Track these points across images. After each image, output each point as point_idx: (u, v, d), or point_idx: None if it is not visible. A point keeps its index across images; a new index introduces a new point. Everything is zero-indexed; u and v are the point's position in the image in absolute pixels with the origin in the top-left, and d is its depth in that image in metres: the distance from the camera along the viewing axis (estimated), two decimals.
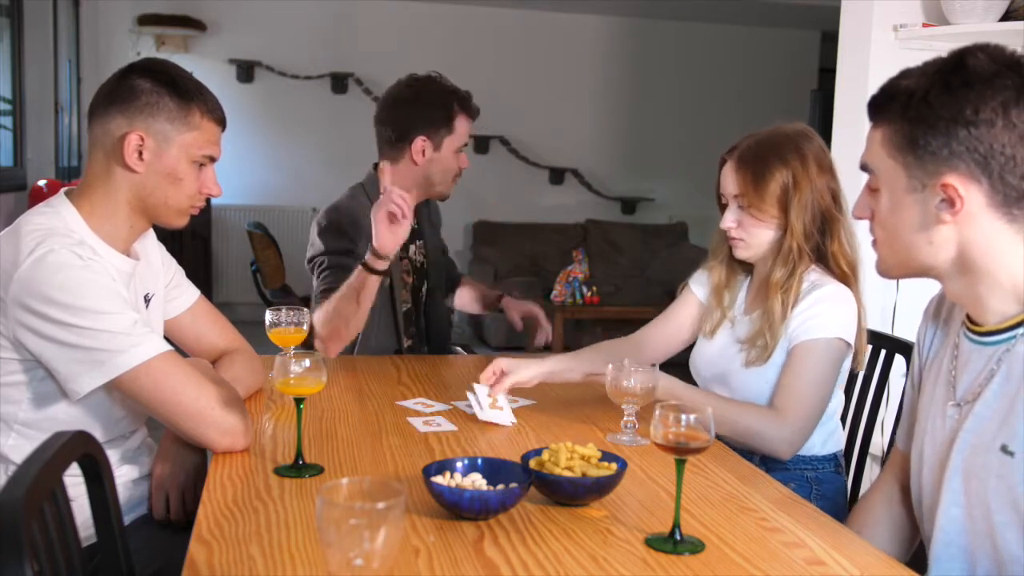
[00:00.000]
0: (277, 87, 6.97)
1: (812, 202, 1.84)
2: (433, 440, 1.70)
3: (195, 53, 6.76)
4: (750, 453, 1.83)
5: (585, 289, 5.48)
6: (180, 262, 1.95)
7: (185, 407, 1.54)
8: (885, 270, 1.36)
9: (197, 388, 1.55)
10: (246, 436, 1.59)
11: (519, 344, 6.28)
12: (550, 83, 7.45)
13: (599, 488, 1.39)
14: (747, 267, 2.01)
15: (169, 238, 2.15)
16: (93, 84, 3.62)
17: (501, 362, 1.87)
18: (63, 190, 1.67)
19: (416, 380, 2.15)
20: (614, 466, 1.42)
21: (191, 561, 1.17)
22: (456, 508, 1.30)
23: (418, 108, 2.42)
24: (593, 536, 1.29)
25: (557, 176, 7.58)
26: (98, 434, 1.41)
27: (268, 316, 1.91)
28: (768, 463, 1.85)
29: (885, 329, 2.56)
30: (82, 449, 1.23)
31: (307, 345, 1.91)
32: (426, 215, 2.63)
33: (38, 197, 4.61)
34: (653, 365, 1.72)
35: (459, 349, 2.84)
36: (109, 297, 1.52)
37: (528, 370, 1.87)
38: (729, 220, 1.90)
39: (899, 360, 2.06)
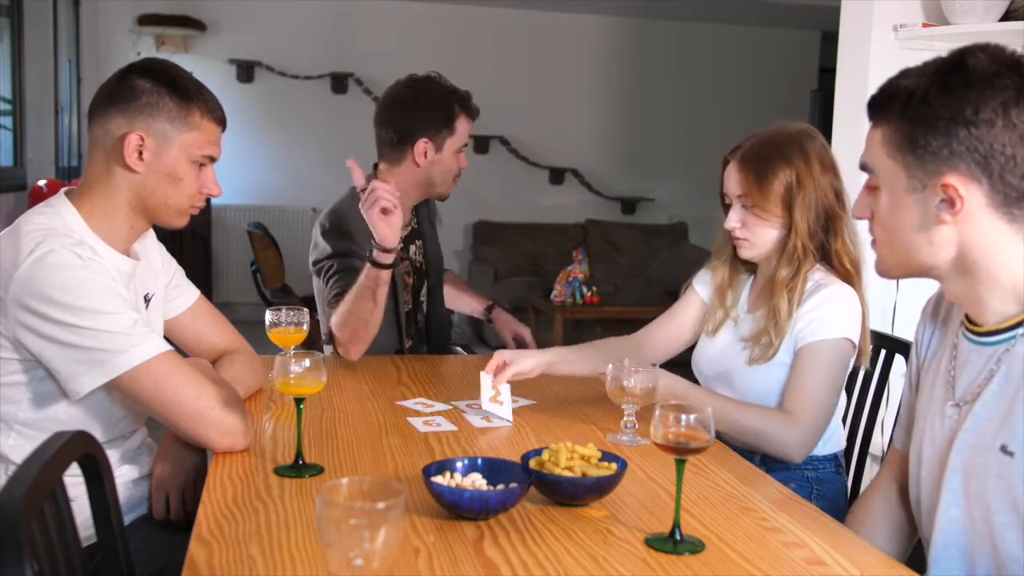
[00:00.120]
0: (277, 87, 6.97)
1: (816, 201, 1.85)
2: (433, 440, 1.70)
3: (195, 53, 6.76)
4: (750, 453, 1.83)
5: (585, 289, 5.48)
6: (180, 262, 1.96)
7: (185, 407, 1.54)
8: (885, 270, 1.36)
9: (197, 388, 1.55)
10: (246, 436, 1.59)
11: (518, 344, 6.27)
12: (550, 83, 7.45)
13: (599, 488, 1.39)
14: (750, 266, 2.01)
15: (169, 238, 2.15)
16: (93, 84, 3.62)
17: (503, 353, 1.89)
18: (63, 190, 1.67)
19: (416, 380, 2.15)
20: (614, 466, 1.42)
21: (191, 561, 1.17)
22: (456, 508, 1.30)
23: (419, 109, 2.41)
24: (593, 536, 1.29)
25: (557, 176, 7.58)
26: (98, 434, 1.41)
27: (268, 316, 1.91)
28: (768, 463, 1.85)
29: (885, 329, 2.56)
30: (82, 449, 1.23)
31: (307, 345, 1.90)
32: (426, 215, 2.63)
33: (38, 197, 4.61)
34: (654, 365, 1.72)
35: (459, 349, 2.84)
36: (109, 297, 1.52)
37: (529, 360, 1.89)
38: (733, 220, 1.90)
39: (899, 360, 2.06)
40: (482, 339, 6.48)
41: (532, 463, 1.43)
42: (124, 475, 1.67)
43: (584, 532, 1.30)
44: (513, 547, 1.24)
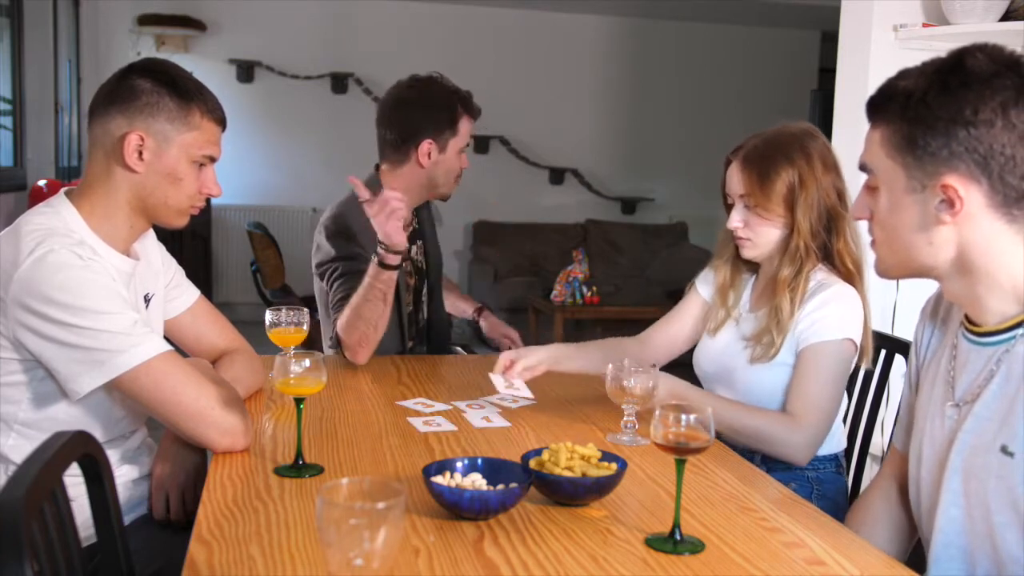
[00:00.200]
0: (277, 87, 6.97)
1: (818, 200, 1.85)
2: (433, 440, 1.70)
3: (195, 53, 6.76)
4: (750, 453, 1.83)
5: (585, 289, 5.48)
6: (180, 262, 1.95)
7: (185, 407, 1.54)
8: (884, 270, 1.36)
9: (197, 388, 1.55)
10: (246, 436, 1.59)
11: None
12: (550, 83, 7.45)
13: (599, 488, 1.39)
14: (752, 266, 2.02)
15: (169, 238, 2.15)
16: (93, 84, 3.62)
17: (507, 354, 1.91)
18: (63, 190, 1.67)
19: (416, 380, 2.15)
20: (614, 466, 1.42)
21: (191, 561, 1.17)
22: (456, 508, 1.30)
23: (422, 110, 2.41)
24: (593, 536, 1.29)
25: (557, 176, 7.58)
26: (98, 434, 1.41)
27: (268, 316, 1.92)
28: (768, 463, 1.85)
29: (885, 329, 2.56)
30: (82, 449, 1.23)
31: (307, 345, 1.90)
32: (426, 215, 2.62)
33: (38, 197, 4.61)
34: (654, 365, 1.72)
35: (459, 349, 2.84)
36: (109, 297, 1.52)
37: (535, 356, 1.90)
38: (736, 220, 1.91)
39: (899, 360, 2.06)
40: (482, 339, 6.46)
41: (532, 463, 1.43)
42: (124, 475, 1.67)
43: (584, 532, 1.30)
44: (513, 547, 1.24)
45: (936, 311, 1.47)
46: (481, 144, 7.18)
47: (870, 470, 2.23)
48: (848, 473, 2.05)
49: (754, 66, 7.74)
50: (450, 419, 1.83)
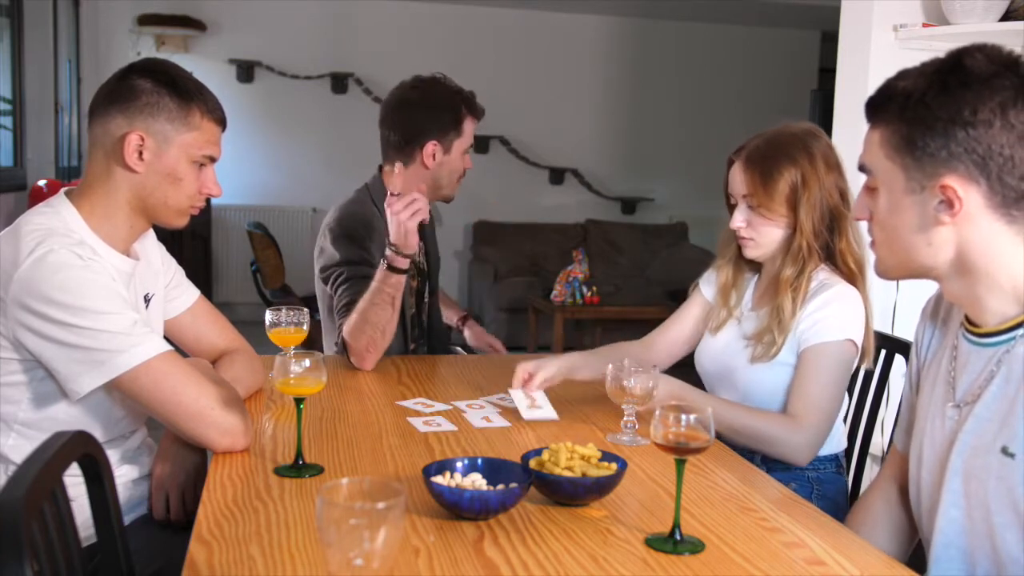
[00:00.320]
0: (277, 87, 6.97)
1: (821, 200, 1.85)
2: (433, 440, 1.70)
3: (195, 53, 6.76)
4: (751, 453, 1.83)
5: (585, 289, 5.48)
6: (180, 262, 1.95)
7: (185, 407, 1.54)
8: (884, 271, 1.36)
9: (197, 388, 1.55)
10: (246, 436, 1.59)
11: (519, 344, 6.28)
12: (550, 83, 7.45)
13: (599, 488, 1.39)
14: (754, 265, 2.02)
15: (169, 238, 2.15)
16: (93, 84, 3.62)
17: (526, 365, 1.89)
18: (63, 190, 1.67)
19: (416, 380, 2.15)
20: (614, 466, 1.42)
21: (191, 561, 1.17)
22: (456, 508, 1.31)
23: (426, 111, 2.39)
24: (593, 536, 1.29)
25: (557, 176, 7.58)
26: (98, 434, 1.41)
27: (268, 316, 1.91)
28: (769, 463, 1.86)
29: (885, 329, 2.56)
30: (82, 449, 1.23)
31: (307, 345, 1.90)
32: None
33: (38, 197, 4.61)
34: (654, 366, 1.72)
35: (459, 349, 2.84)
36: (109, 297, 1.52)
37: (551, 367, 1.90)
38: (738, 220, 1.91)
39: (899, 360, 2.06)
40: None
41: (532, 463, 1.43)
42: (124, 475, 1.67)
43: (584, 532, 1.30)
44: (513, 547, 1.24)
45: (936, 312, 1.47)
46: (481, 144, 7.18)
47: (870, 470, 2.23)
48: (848, 473, 2.05)
49: (754, 66, 7.74)
50: (450, 419, 1.83)
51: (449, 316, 2.83)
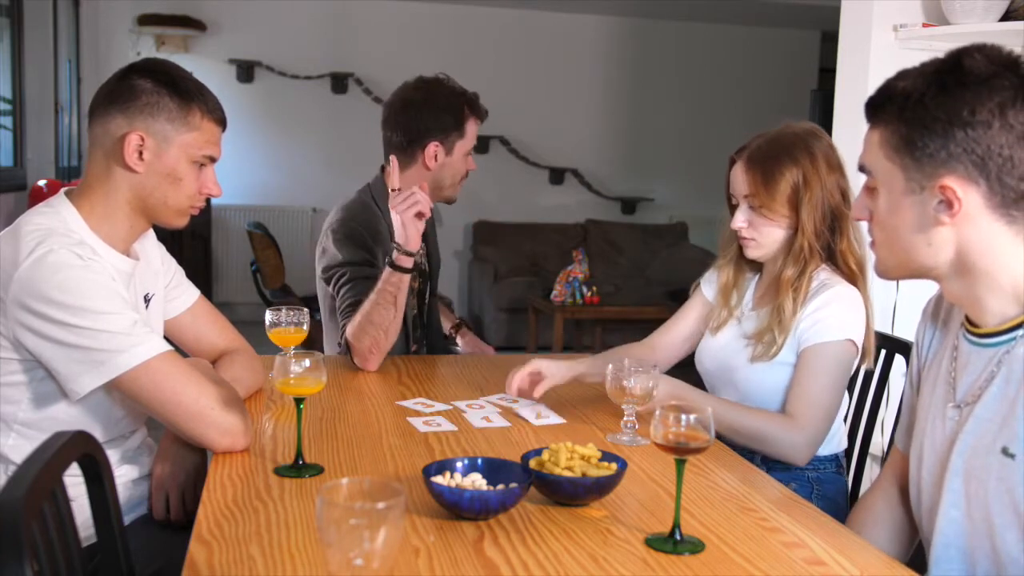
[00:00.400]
0: (277, 87, 6.97)
1: (822, 200, 1.85)
2: (433, 440, 1.70)
3: (195, 53, 6.76)
4: (751, 453, 1.83)
5: (585, 289, 5.48)
6: (180, 262, 1.96)
7: (185, 407, 1.54)
8: (884, 271, 1.36)
9: (197, 388, 1.55)
10: (246, 436, 1.59)
11: (519, 344, 6.28)
12: (550, 83, 7.45)
13: (599, 488, 1.39)
14: (755, 265, 2.02)
15: (169, 238, 2.15)
16: (93, 84, 3.62)
17: (540, 364, 1.89)
18: (63, 190, 1.67)
19: (416, 380, 2.15)
20: (614, 466, 1.42)
21: (191, 561, 1.17)
22: (456, 508, 1.31)
23: (429, 112, 2.39)
24: (593, 536, 1.29)
25: (557, 176, 7.58)
26: (98, 434, 1.41)
27: (268, 316, 1.91)
28: (768, 463, 1.86)
29: (885, 329, 2.56)
30: (82, 449, 1.23)
31: (307, 345, 1.90)
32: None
33: (38, 197, 4.61)
34: (654, 366, 1.72)
35: (458, 349, 2.84)
36: (109, 297, 1.52)
37: (560, 372, 1.90)
38: (740, 220, 1.91)
39: (899, 360, 2.06)
40: (482, 338, 6.47)
41: (532, 463, 1.43)
42: (124, 475, 1.67)
43: (584, 532, 1.30)
44: (513, 547, 1.24)
45: (937, 312, 1.47)
46: (481, 144, 7.17)
47: (870, 470, 2.23)
48: (848, 473, 2.05)
49: (754, 66, 7.74)
50: (450, 419, 1.83)
51: (442, 324, 2.81)
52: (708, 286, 2.10)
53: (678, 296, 2.20)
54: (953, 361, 1.35)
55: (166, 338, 1.67)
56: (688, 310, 2.12)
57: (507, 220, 7.33)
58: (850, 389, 2.06)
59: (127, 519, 1.55)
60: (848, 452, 2.07)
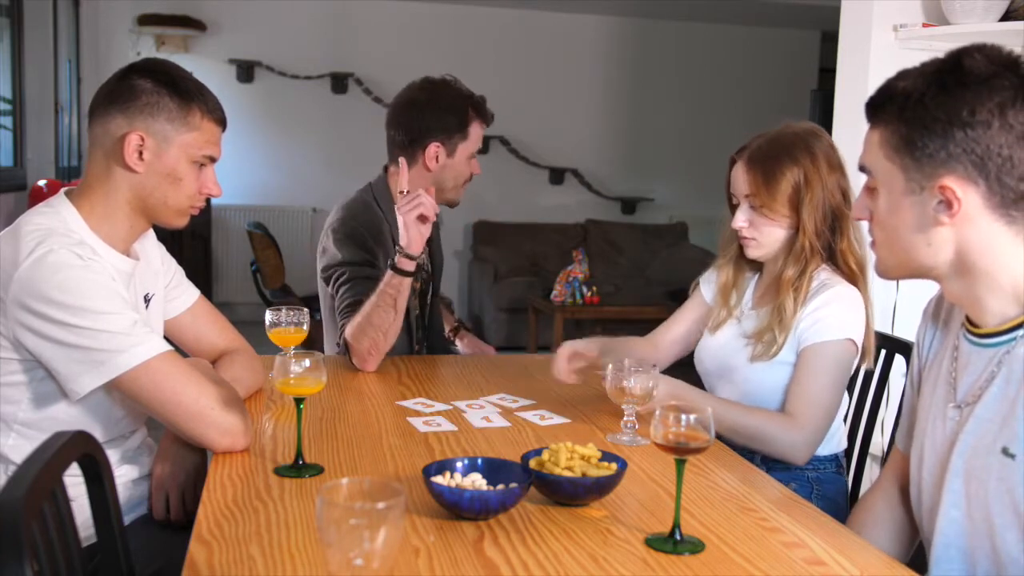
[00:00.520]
0: (277, 87, 6.97)
1: (823, 200, 1.85)
2: (433, 440, 1.70)
3: (195, 53, 6.76)
4: (750, 453, 1.83)
5: (585, 289, 5.48)
6: (180, 262, 1.95)
7: (185, 407, 1.54)
8: (884, 271, 1.36)
9: (197, 388, 1.55)
10: (246, 436, 1.59)
11: (519, 344, 6.28)
12: (550, 83, 7.45)
13: (599, 488, 1.39)
14: (755, 265, 2.02)
15: (169, 238, 2.15)
16: (93, 84, 3.62)
17: (571, 344, 1.93)
18: (63, 190, 1.67)
19: (416, 380, 2.15)
20: (614, 466, 1.42)
21: (191, 561, 1.17)
22: (456, 508, 1.31)
23: (432, 112, 2.38)
24: (593, 536, 1.29)
25: (557, 176, 7.58)
26: (98, 434, 1.41)
27: (268, 316, 1.91)
28: (768, 463, 1.86)
29: (885, 329, 2.56)
30: (82, 449, 1.23)
31: (307, 345, 1.90)
32: None
33: (38, 197, 4.61)
34: (654, 366, 1.72)
35: (458, 349, 2.84)
36: (109, 297, 1.52)
37: (593, 348, 1.93)
38: (741, 220, 1.91)
39: (899, 360, 2.06)
40: (482, 339, 6.47)
41: (532, 463, 1.43)
42: (124, 475, 1.67)
43: (584, 532, 1.30)
44: (513, 547, 1.24)
45: (938, 312, 1.47)
46: (481, 144, 7.16)
47: (870, 470, 2.23)
48: (848, 473, 2.05)
49: (754, 66, 7.74)
50: (450, 419, 1.83)
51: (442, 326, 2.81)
52: (707, 285, 2.10)
53: (678, 296, 2.20)
54: (954, 361, 1.35)
55: (166, 338, 1.67)
56: (687, 309, 2.13)
57: (507, 220, 7.33)
58: (850, 389, 2.06)
59: (127, 519, 1.55)
60: (848, 452, 2.07)
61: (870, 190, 1.32)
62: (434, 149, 2.38)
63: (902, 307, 2.65)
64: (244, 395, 1.83)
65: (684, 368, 2.06)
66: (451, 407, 1.92)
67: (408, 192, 2.12)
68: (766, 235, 1.90)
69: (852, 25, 2.77)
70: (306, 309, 1.94)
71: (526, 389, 2.05)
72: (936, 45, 2.59)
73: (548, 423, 1.83)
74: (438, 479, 1.35)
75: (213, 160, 1.68)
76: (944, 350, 1.40)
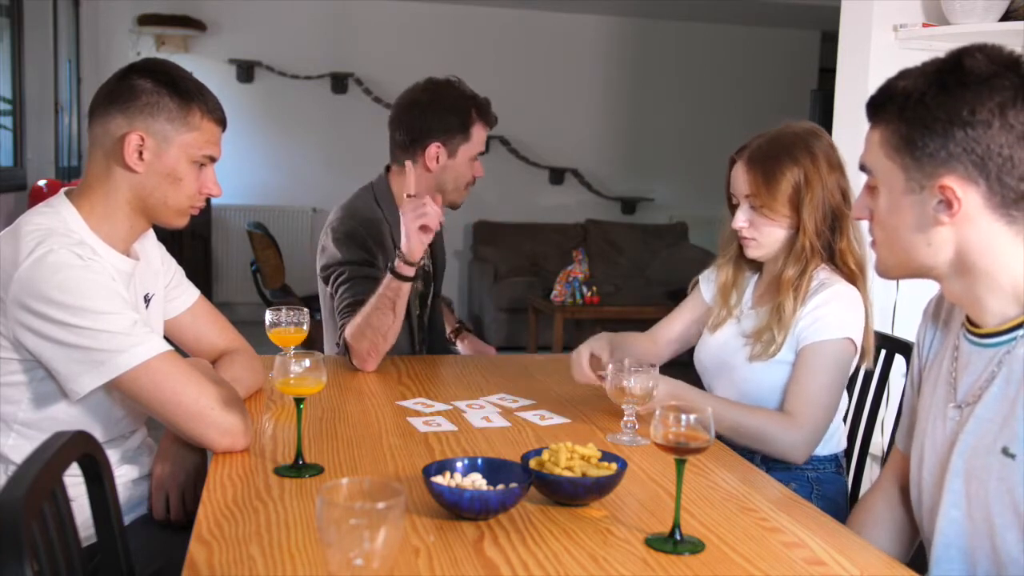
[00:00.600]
0: (277, 87, 6.97)
1: (823, 200, 1.85)
2: (433, 440, 1.70)
3: (195, 53, 6.76)
4: (750, 453, 1.83)
5: (585, 289, 5.48)
6: (180, 262, 1.95)
7: (185, 407, 1.54)
8: (884, 271, 1.36)
9: (197, 388, 1.55)
10: (246, 436, 1.59)
11: (519, 344, 6.28)
12: (550, 83, 7.45)
13: (599, 488, 1.39)
14: (755, 265, 2.02)
15: (169, 238, 2.15)
16: (93, 84, 3.62)
17: (591, 347, 1.91)
18: (63, 190, 1.67)
19: (416, 380, 2.15)
20: (614, 466, 1.42)
21: (191, 561, 1.17)
22: (456, 508, 1.30)
23: (434, 113, 2.37)
24: (593, 536, 1.29)
25: (557, 176, 7.58)
26: (98, 434, 1.41)
27: (268, 316, 1.91)
28: (768, 463, 1.86)
29: (885, 329, 2.56)
30: (82, 449, 1.23)
31: (307, 345, 1.90)
32: None
33: (38, 197, 4.61)
34: (653, 365, 1.72)
35: (458, 349, 2.84)
36: (109, 297, 1.52)
37: (605, 349, 1.91)
38: (741, 220, 1.91)
39: (899, 360, 2.06)
40: (482, 339, 6.47)
41: (532, 463, 1.43)
42: (124, 475, 1.67)
43: (584, 532, 1.30)
44: (513, 547, 1.24)
45: (938, 312, 1.47)
46: None
47: (870, 470, 2.23)
48: (848, 473, 2.05)
49: (754, 66, 7.74)
50: (450, 419, 1.83)
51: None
52: (707, 284, 2.10)
53: (678, 296, 2.20)
54: (954, 361, 1.35)
55: (166, 338, 1.67)
56: (687, 307, 2.13)
57: (507, 220, 7.33)
58: (850, 389, 2.06)
59: (127, 519, 1.55)
60: (848, 452, 2.07)
61: (870, 189, 1.32)
62: (435, 149, 2.37)
63: (902, 307, 2.65)
64: (244, 395, 1.83)
65: (683, 367, 2.07)
66: (451, 407, 1.92)
67: (415, 196, 2.11)
68: (766, 235, 1.90)
69: (852, 25, 2.77)
70: (306, 309, 1.94)
71: (526, 389, 2.05)
72: (936, 45, 2.59)
73: (548, 423, 1.83)
74: (438, 479, 1.35)
75: (213, 160, 1.68)
76: (944, 350, 1.40)
